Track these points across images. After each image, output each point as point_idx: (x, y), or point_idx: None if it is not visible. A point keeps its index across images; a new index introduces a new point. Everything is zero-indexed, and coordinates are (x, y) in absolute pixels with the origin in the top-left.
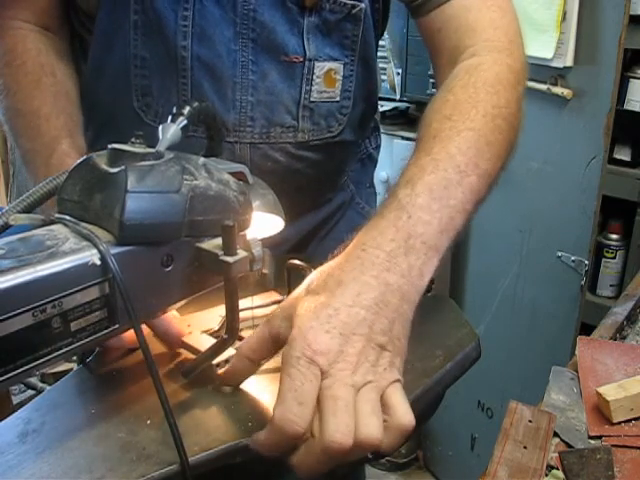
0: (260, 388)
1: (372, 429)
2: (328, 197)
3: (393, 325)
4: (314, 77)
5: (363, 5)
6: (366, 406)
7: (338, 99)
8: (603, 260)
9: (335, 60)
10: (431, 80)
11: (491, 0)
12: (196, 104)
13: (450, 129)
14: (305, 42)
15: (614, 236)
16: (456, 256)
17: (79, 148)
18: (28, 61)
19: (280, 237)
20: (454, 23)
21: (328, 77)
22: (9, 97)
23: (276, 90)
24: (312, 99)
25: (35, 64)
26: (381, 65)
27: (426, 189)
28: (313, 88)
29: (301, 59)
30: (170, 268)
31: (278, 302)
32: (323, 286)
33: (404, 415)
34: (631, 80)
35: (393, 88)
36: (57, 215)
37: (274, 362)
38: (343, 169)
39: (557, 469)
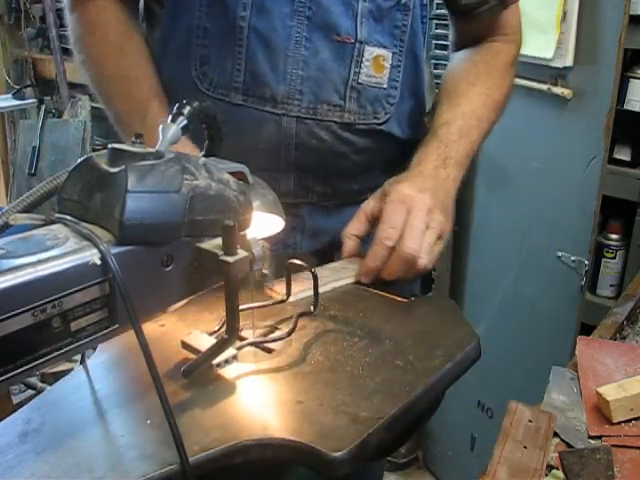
0: (260, 388)
1: (431, 252)
2: (361, 198)
3: (443, 204)
4: (363, 60)
5: None
6: (430, 235)
7: (385, 86)
8: (603, 260)
9: (385, 47)
10: None
11: (513, 6)
12: (196, 104)
13: (473, 92)
14: (358, 25)
15: (614, 236)
16: (456, 256)
17: (167, 109)
18: (110, 30)
19: (321, 227)
20: (484, 24)
21: (377, 62)
22: (95, 65)
23: (326, 67)
24: (360, 81)
25: (117, 33)
26: None
27: (457, 129)
28: (362, 70)
29: (352, 40)
30: (170, 268)
31: (279, 302)
32: (398, 180)
33: (436, 248)
34: (631, 80)
35: None
36: (57, 215)
37: (274, 362)
38: (392, 166)
39: (557, 469)
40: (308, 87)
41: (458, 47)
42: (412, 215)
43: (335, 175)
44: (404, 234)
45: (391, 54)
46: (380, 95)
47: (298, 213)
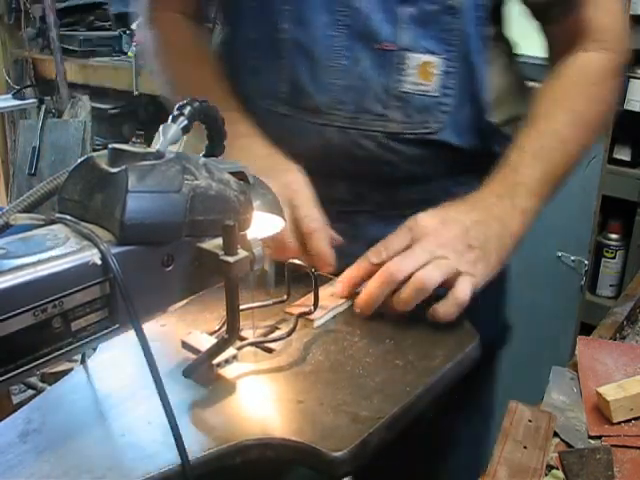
0: (260, 388)
1: (426, 274)
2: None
3: (488, 240)
4: (407, 67)
5: None
6: (432, 266)
7: (436, 94)
8: (603, 260)
9: (433, 53)
10: None
11: (607, 5)
12: (197, 104)
13: (556, 110)
14: (399, 31)
15: (614, 236)
16: None
17: (243, 117)
18: (185, 43)
19: (380, 237)
20: (573, 25)
21: (424, 70)
22: (170, 73)
23: (366, 76)
24: (403, 89)
25: (190, 45)
26: None
27: (531, 153)
28: (406, 78)
29: (393, 47)
30: (171, 268)
31: (279, 302)
32: (442, 207)
33: (459, 293)
34: (631, 80)
35: None
36: (58, 215)
37: (275, 362)
38: (454, 175)
39: (557, 469)
40: (349, 97)
41: (551, 59)
42: (417, 244)
43: (389, 184)
44: (399, 257)
45: (441, 60)
46: (430, 104)
47: (355, 221)
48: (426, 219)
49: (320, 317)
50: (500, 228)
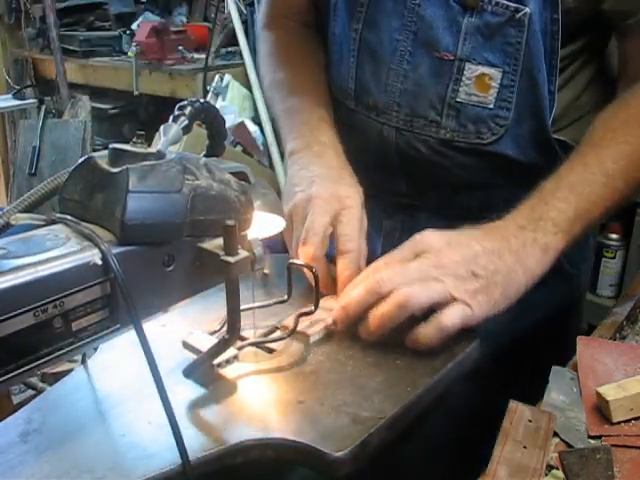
0: (261, 388)
1: (410, 292)
2: (489, 215)
3: (497, 272)
4: (464, 78)
5: (528, 10)
6: (420, 286)
7: (492, 106)
8: (603, 260)
9: (493, 66)
10: None
11: None
12: (197, 104)
13: (610, 140)
14: (460, 41)
15: (614, 236)
16: None
17: (328, 126)
18: (294, 49)
19: None
20: None
21: (481, 81)
22: (276, 76)
23: (423, 82)
24: (458, 99)
25: (298, 51)
26: None
27: (568, 185)
28: (461, 89)
29: (452, 57)
30: (171, 268)
31: (279, 302)
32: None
33: (445, 317)
34: None
35: None
36: (58, 215)
37: (275, 362)
38: (514, 187)
39: (557, 469)
40: (405, 100)
41: (621, 82)
42: (414, 261)
43: (447, 186)
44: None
45: (501, 73)
46: (484, 115)
47: (415, 215)
48: (433, 237)
49: (316, 334)
50: (513, 261)
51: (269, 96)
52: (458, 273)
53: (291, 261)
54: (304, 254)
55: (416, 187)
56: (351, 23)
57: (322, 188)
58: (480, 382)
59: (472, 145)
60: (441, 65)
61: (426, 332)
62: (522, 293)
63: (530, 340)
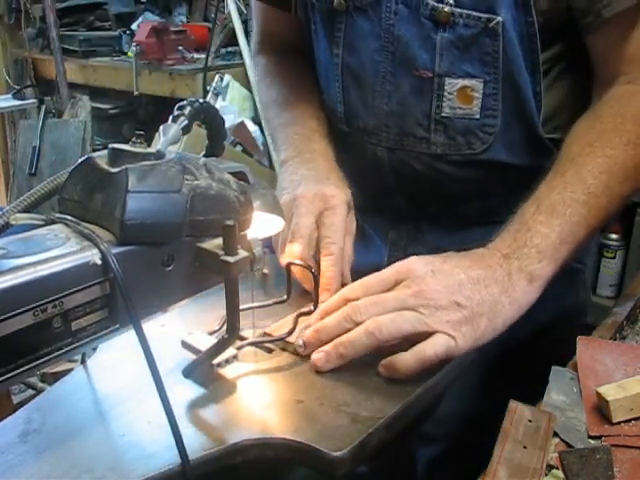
0: (260, 388)
1: (382, 321)
2: (490, 219)
3: (482, 302)
4: (445, 93)
5: (500, 18)
6: (394, 316)
7: (478, 117)
8: (603, 260)
9: (473, 77)
10: None
11: None
12: (197, 104)
13: (588, 155)
14: (437, 58)
15: (614, 236)
16: None
17: (320, 136)
18: (288, 67)
19: (442, 244)
20: (615, 50)
21: (463, 94)
22: (275, 91)
23: (407, 102)
24: (444, 114)
25: (294, 69)
26: None
27: (549, 207)
28: (444, 104)
29: (430, 74)
30: (171, 268)
31: (279, 302)
32: (443, 255)
33: (427, 348)
34: None
35: None
36: (58, 215)
37: (274, 362)
38: (512, 191)
39: (557, 469)
40: (393, 121)
41: (597, 87)
42: (393, 291)
43: (444, 199)
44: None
45: (482, 83)
46: (472, 126)
47: (419, 227)
48: (417, 264)
49: (301, 345)
50: (499, 292)
51: (265, 116)
52: (439, 304)
53: (290, 261)
54: (291, 256)
55: (415, 202)
56: (332, 48)
57: (307, 188)
58: (480, 382)
59: (465, 156)
60: (421, 83)
61: (404, 359)
62: (508, 325)
63: (531, 339)
